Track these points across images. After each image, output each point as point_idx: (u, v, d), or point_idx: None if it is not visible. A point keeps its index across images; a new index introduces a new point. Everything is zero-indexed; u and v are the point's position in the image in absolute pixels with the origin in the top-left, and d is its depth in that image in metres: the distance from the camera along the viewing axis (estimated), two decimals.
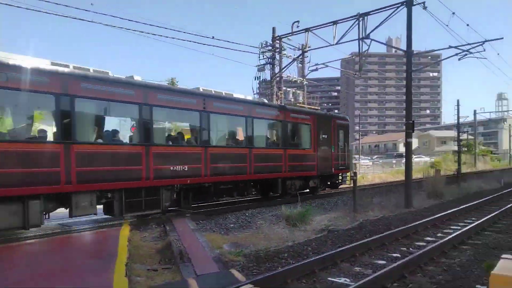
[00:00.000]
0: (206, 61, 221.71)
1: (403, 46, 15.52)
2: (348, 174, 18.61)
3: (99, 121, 9.79)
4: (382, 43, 18.19)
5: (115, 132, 10.05)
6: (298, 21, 21.95)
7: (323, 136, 16.82)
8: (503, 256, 2.58)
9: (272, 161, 14.03)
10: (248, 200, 15.06)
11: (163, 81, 20.21)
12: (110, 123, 10.28)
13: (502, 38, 16.33)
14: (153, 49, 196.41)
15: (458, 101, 33.22)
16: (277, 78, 23.39)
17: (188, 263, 6.26)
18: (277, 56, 23.08)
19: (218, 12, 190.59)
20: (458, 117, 32.70)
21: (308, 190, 16.65)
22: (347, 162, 18.32)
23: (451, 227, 10.06)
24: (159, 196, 10.40)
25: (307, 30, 20.11)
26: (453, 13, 16.30)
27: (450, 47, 16.70)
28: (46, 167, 8.11)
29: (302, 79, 26.53)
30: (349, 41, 17.97)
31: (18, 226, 7.91)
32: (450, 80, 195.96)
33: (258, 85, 27.02)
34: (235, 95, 13.13)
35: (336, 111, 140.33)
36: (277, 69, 22.90)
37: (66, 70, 8.64)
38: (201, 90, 11.85)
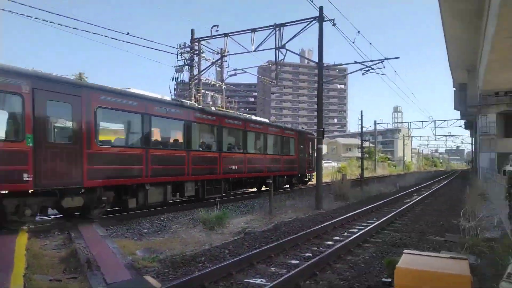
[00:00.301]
0: (121, 57, 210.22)
1: (315, 58, 16.52)
2: (314, 174, 22.04)
3: (166, 133, 13.93)
4: (296, 53, 19.16)
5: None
6: (217, 25, 22.00)
7: (301, 146, 22.73)
8: (405, 251, 2.86)
9: (276, 163, 20.07)
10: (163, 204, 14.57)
11: (70, 75, 18.59)
12: (172, 134, 14.28)
13: (399, 57, 18.45)
14: (58, 38, 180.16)
15: (361, 111, 36.46)
16: (196, 81, 23.14)
17: (97, 271, 5.81)
18: (196, 58, 22.85)
19: (135, 7, 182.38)
20: (362, 127, 35.78)
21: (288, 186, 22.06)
22: (313, 165, 23.20)
23: (356, 227, 10.94)
24: (221, 185, 15.44)
25: (226, 35, 20.32)
26: (359, 31, 17.87)
27: (356, 62, 18.34)
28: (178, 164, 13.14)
29: (220, 83, 26.62)
30: (266, 49, 18.61)
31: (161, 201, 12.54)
32: (355, 93, 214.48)
33: (175, 86, 26.41)
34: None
35: (253, 116, 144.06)
36: (195, 72, 22.64)
37: (147, 96, 12.00)
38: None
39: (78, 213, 10.55)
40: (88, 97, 9.99)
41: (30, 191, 8.64)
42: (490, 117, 35.68)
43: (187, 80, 22.44)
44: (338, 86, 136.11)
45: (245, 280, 5.96)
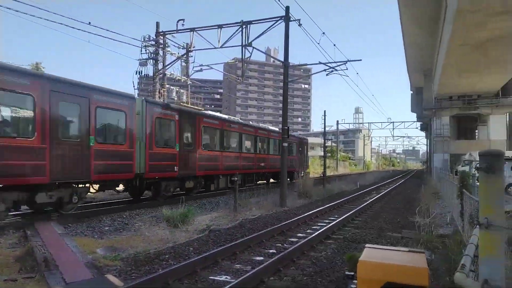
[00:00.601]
0: (82, 48, 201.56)
1: (281, 57, 16.74)
2: (308, 170, 32.76)
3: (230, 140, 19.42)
4: (262, 52, 19.33)
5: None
6: (183, 20, 21.69)
7: (299, 149, 30.05)
8: (367, 245, 2.98)
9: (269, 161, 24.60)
10: (125, 201, 14.23)
11: (26, 65, 17.64)
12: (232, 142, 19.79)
13: (361, 60, 19.08)
14: (13, 24, 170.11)
15: (324, 111, 37.30)
16: (160, 75, 22.71)
17: (55, 270, 5.59)
18: (161, 52, 22.42)
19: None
20: (325, 126, 36.52)
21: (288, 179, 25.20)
22: (307, 164, 33.57)
23: (318, 224, 11.22)
24: (253, 177, 22.04)
25: (192, 30, 20.09)
26: (323, 33, 18.28)
27: (320, 63, 18.75)
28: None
29: (186, 78, 26.30)
30: (233, 46, 18.63)
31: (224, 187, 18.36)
32: (319, 93, 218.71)
33: (139, 80, 25.77)
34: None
35: (218, 113, 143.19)
36: (160, 66, 22.22)
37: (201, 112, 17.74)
38: None
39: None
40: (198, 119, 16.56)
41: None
42: (444, 120, 37.64)
43: (151, 74, 21.94)
44: (303, 86, 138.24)
45: (210, 277, 5.96)
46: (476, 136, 41.94)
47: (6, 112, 8.75)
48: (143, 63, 21.57)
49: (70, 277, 5.34)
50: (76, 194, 10.60)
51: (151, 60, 21.56)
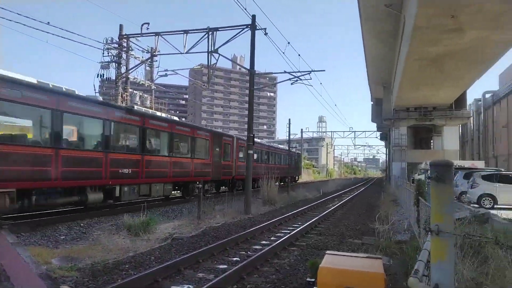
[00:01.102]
0: (40, 48, 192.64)
1: (247, 65, 16.88)
2: (300, 176, 46.64)
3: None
4: (228, 59, 19.41)
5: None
6: (148, 23, 21.37)
7: (295, 159, 41.49)
8: (327, 252, 3.06)
9: (286, 170, 35.54)
10: (85, 209, 13.67)
11: None
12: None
13: (324, 70, 19.81)
14: None
15: (289, 120, 37.98)
16: (123, 79, 22.18)
17: (6, 282, 5.27)
18: (124, 56, 21.92)
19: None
20: (289, 134, 37.08)
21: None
22: (300, 171, 45.75)
23: (282, 231, 11.31)
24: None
25: (157, 34, 19.83)
26: (288, 42, 18.66)
27: (285, 72, 19.08)
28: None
29: (150, 83, 25.83)
30: (199, 52, 18.56)
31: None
32: (284, 101, 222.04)
33: (100, 84, 25.02)
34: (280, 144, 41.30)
35: (183, 119, 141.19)
36: (123, 69, 21.70)
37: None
38: None
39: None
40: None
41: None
42: (402, 130, 39.36)
43: (113, 77, 21.36)
44: (269, 94, 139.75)
45: (172, 286, 5.85)
46: (432, 146, 44.12)
47: None
48: (105, 66, 20.97)
49: None
50: None
51: (114, 63, 21.02)
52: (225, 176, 22.17)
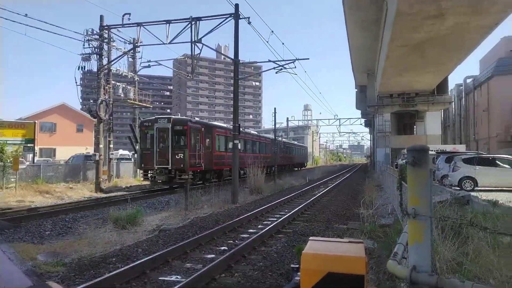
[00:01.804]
0: (17, 41, 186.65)
1: (231, 54, 16.73)
2: (308, 163, 61.96)
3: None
4: (212, 49, 19.17)
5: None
6: (129, 14, 20.96)
7: (304, 152, 56.67)
8: (311, 238, 3.09)
9: (294, 159, 47.51)
10: (69, 203, 13.52)
11: None
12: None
13: (308, 58, 19.63)
14: None
15: (275, 109, 38.01)
16: (105, 71, 21.77)
17: None
18: (106, 47, 21.48)
19: None
20: (275, 123, 37.14)
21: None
22: (307, 158, 61.18)
23: (269, 219, 11.40)
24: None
25: (139, 24, 19.44)
26: (272, 31, 18.54)
27: (270, 61, 19.04)
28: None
29: (133, 74, 25.45)
30: (182, 42, 18.71)
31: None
32: (269, 90, 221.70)
33: (82, 76, 24.54)
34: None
35: (168, 110, 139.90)
36: (105, 61, 21.28)
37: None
38: None
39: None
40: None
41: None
42: (385, 116, 39.78)
43: (95, 69, 20.94)
44: (254, 83, 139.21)
45: (160, 278, 5.85)
46: (415, 132, 44.80)
47: None
48: (86, 58, 20.51)
49: (7, 286, 4.98)
50: None
51: (95, 55, 20.57)
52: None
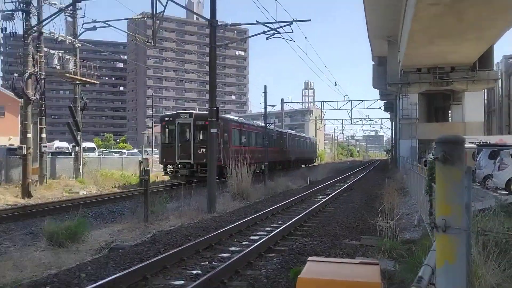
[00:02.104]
0: None
1: (207, 14, 16.56)
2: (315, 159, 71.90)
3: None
4: (181, 5, 19.04)
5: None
6: None
7: (311, 144, 64.12)
8: (310, 258, 3.13)
9: (304, 153, 57.46)
10: None
11: None
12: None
13: (310, 20, 19.57)
14: None
15: (265, 87, 35.14)
16: (35, 34, 21.42)
17: None
18: (35, 3, 21.12)
19: None
20: (266, 106, 36.02)
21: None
22: (316, 154, 72.63)
23: (257, 233, 11.47)
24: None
25: None
26: None
27: (258, 23, 18.92)
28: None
29: (73, 39, 25.11)
30: None
31: None
32: (257, 63, 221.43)
33: (3, 41, 24.13)
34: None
35: (121, 88, 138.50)
36: (34, 21, 20.93)
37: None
38: None
39: None
40: None
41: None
42: (412, 98, 39.81)
43: (21, 32, 20.58)
44: (237, 52, 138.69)
45: None
46: (450, 118, 45.21)
47: None
48: (7, 16, 20.14)
49: None
50: None
51: (20, 13, 20.18)
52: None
